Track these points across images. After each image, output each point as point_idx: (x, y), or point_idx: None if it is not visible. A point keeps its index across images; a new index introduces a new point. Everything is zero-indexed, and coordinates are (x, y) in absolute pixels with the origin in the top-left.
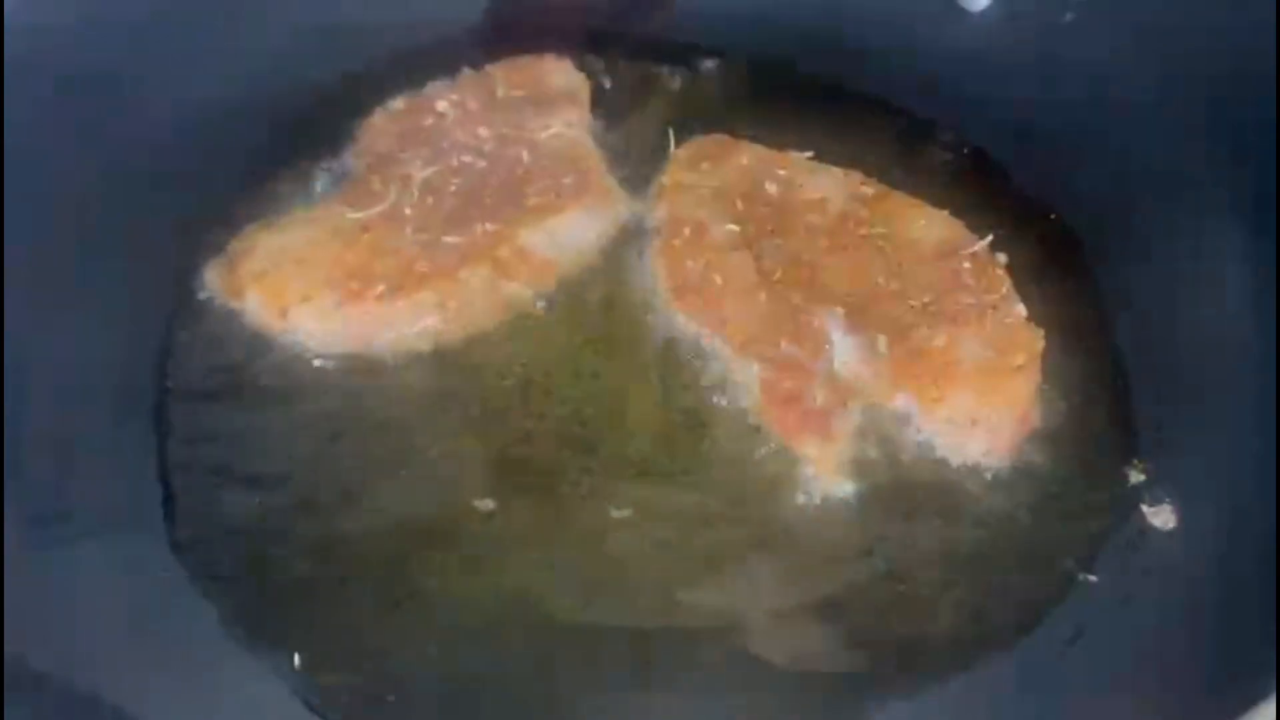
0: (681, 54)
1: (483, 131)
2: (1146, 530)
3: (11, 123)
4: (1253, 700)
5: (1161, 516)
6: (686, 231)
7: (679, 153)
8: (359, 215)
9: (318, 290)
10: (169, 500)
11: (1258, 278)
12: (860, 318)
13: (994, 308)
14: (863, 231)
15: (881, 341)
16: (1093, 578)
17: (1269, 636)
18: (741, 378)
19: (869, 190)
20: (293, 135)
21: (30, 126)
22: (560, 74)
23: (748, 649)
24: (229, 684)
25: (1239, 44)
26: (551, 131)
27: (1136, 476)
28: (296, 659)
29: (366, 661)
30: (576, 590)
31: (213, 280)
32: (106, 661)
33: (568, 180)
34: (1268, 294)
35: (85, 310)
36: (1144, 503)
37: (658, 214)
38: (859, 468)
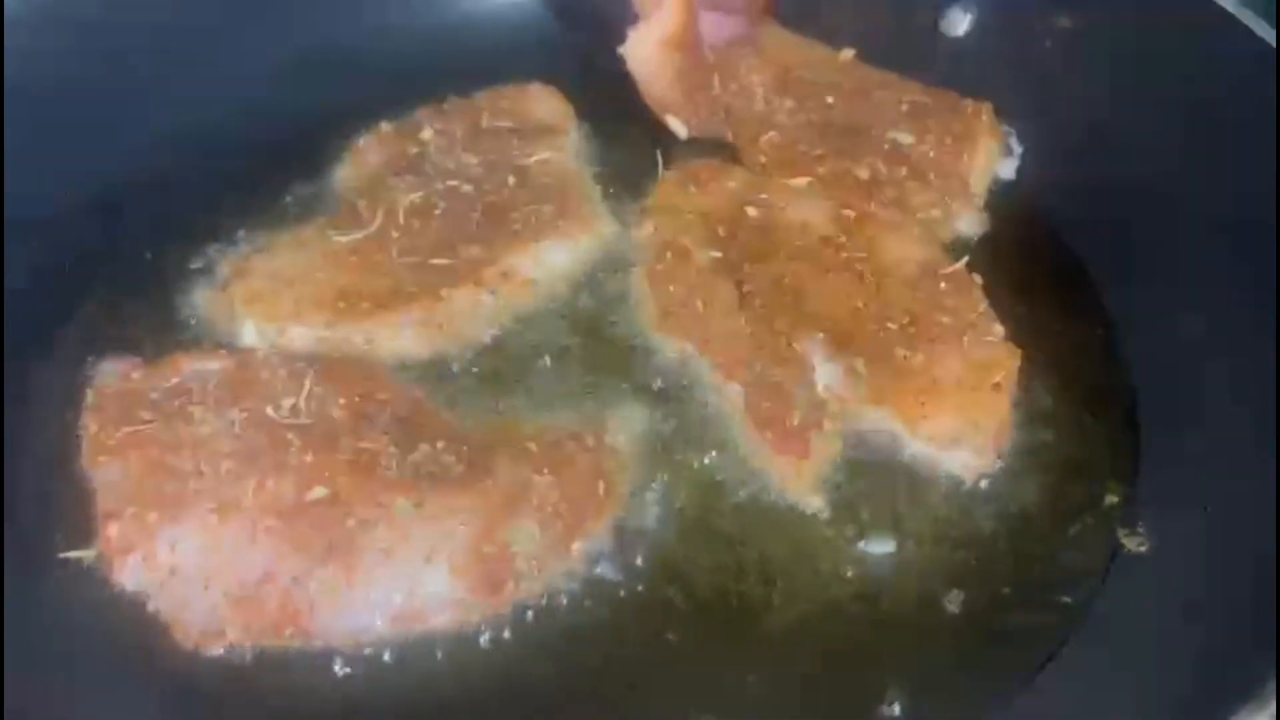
0: None
1: (468, 158)
2: (1121, 552)
3: None
4: None
5: (1136, 539)
6: (670, 256)
7: (668, 175)
8: (346, 239)
9: (309, 311)
10: None
11: (1240, 305)
12: (841, 341)
13: (972, 326)
14: (843, 255)
15: (860, 363)
16: (1067, 599)
17: (1242, 659)
18: (724, 399)
19: (849, 213)
20: (280, 159)
21: (13, 152)
22: (545, 101)
23: (734, 667)
24: None
25: (1224, 68)
26: (537, 158)
27: (1111, 499)
28: None
29: None
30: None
31: (202, 304)
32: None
33: (552, 205)
34: (1249, 323)
35: (64, 336)
36: (1119, 525)
37: (642, 238)
38: (839, 488)
